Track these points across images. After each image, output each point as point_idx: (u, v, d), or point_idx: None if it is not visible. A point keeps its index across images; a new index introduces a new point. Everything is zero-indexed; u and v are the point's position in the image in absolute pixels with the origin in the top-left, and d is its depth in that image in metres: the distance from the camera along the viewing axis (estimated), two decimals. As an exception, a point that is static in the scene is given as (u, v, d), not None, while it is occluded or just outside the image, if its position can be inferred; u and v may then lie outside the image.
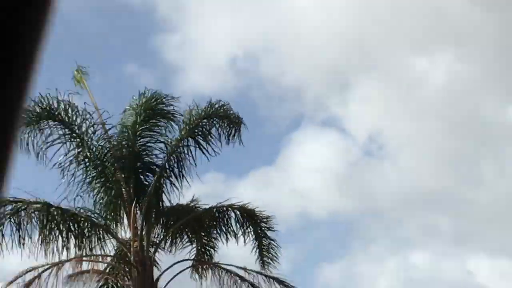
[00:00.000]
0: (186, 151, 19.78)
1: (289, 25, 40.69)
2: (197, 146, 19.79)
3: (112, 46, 42.04)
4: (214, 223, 19.93)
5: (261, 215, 19.90)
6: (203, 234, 20.09)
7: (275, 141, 42.15)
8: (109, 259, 19.58)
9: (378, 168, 42.19)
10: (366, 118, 41.37)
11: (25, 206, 18.09)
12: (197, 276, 19.61)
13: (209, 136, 19.95)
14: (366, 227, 41.83)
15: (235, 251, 21.15)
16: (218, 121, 20.21)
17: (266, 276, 19.31)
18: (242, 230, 19.88)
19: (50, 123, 19.16)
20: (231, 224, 19.83)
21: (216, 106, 20.28)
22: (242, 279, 19.38)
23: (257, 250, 20.07)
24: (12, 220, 17.94)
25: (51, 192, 19.09)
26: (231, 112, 20.42)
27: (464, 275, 39.35)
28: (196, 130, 19.98)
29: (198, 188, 21.05)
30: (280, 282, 19.44)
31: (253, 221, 19.91)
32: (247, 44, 40.31)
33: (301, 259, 38.22)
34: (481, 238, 40.65)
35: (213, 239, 20.16)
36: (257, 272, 19.36)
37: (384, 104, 41.91)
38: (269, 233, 20.10)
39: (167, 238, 19.77)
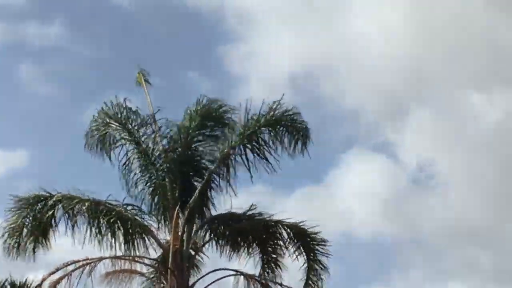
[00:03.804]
0: (237, 159, 19.26)
1: (352, 49, 40.77)
2: (252, 154, 19.21)
3: (176, 52, 42.45)
4: (263, 236, 19.67)
5: (314, 237, 19.48)
6: (249, 245, 19.92)
7: (325, 160, 42.07)
8: (147, 261, 19.73)
9: (424, 198, 41.93)
10: (418, 147, 41.15)
11: (77, 201, 18.52)
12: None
13: (265, 146, 19.23)
14: (406, 254, 41.55)
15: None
16: (282, 130, 19.42)
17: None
18: (293, 248, 19.55)
19: (113, 126, 19.99)
20: (281, 240, 19.55)
21: (281, 112, 19.45)
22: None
23: (305, 271, 19.66)
24: (65, 214, 18.48)
25: (98, 188, 19.42)
26: (299, 120, 19.58)
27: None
28: (252, 138, 19.31)
29: (244, 198, 20.91)
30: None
31: (304, 241, 19.50)
32: (308, 62, 40.40)
33: (340, 278, 38.03)
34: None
35: (263, 252, 19.86)
36: (290, 289, 19.27)
37: (438, 136, 41.63)
38: (321, 257, 19.66)
39: (210, 245, 19.78)
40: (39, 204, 18.60)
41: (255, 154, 19.14)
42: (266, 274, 19.80)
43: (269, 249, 19.67)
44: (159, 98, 21.38)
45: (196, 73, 43.31)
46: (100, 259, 18.29)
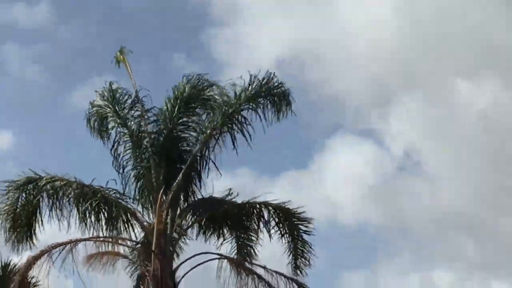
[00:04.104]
0: (220, 141, 19.25)
1: (340, 35, 40.70)
2: (232, 134, 19.18)
3: (163, 35, 42.30)
4: (246, 218, 19.65)
5: (299, 216, 19.41)
6: (232, 229, 19.96)
7: (310, 146, 42.14)
8: (131, 244, 19.63)
9: (411, 185, 41.99)
10: (405, 134, 41.18)
11: (64, 184, 18.64)
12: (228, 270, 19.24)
13: (245, 124, 19.13)
14: (392, 241, 41.66)
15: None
16: (263, 101, 19.29)
17: (285, 277, 19.15)
18: (278, 229, 19.52)
19: (106, 109, 19.96)
20: (264, 222, 19.51)
21: (258, 84, 19.30)
22: (260, 277, 19.02)
23: (291, 254, 19.70)
24: (52, 197, 18.64)
25: (82, 171, 19.40)
26: (276, 85, 19.39)
27: (485, 302, 38.94)
28: (234, 117, 19.22)
29: (228, 182, 20.89)
30: (299, 285, 19.23)
31: (289, 221, 19.47)
32: (295, 48, 40.30)
33: (324, 265, 38.08)
34: (506, 266, 40.17)
35: (243, 235, 20.02)
36: (276, 273, 19.16)
37: (425, 124, 41.64)
38: (306, 236, 19.64)
39: (193, 228, 19.71)
40: (29, 186, 18.69)
41: (237, 133, 19.07)
42: (248, 257, 19.82)
43: (252, 230, 19.66)
44: (145, 80, 21.22)
45: (182, 57, 43.19)
46: (81, 240, 18.17)
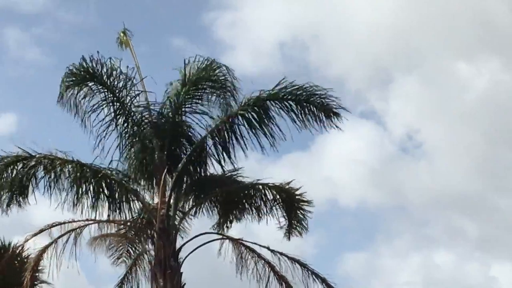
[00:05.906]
0: (234, 129, 18.84)
1: (340, 18, 40.68)
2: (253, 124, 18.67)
3: (164, 18, 42.16)
4: (248, 199, 19.79)
5: (299, 198, 19.55)
6: (234, 209, 20.00)
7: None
8: (134, 225, 19.55)
9: (411, 166, 42.11)
10: (405, 115, 41.20)
11: (61, 163, 18.40)
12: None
13: (266, 120, 18.58)
14: (392, 221, 41.82)
15: (263, 231, 21.14)
16: (291, 105, 18.60)
17: (288, 257, 19.19)
18: (275, 208, 19.67)
19: (91, 85, 19.07)
20: (265, 202, 19.64)
21: (292, 88, 18.62)
22: (260, 257, 19.19)
23: (286, 222, 19.83)
24: (48, 176, 18.40)
25: (87, 153, 19.07)
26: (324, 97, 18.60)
27: (486, 280, 39.07)
28: (258, 109, 18.70)
29: (229, 164, 20.77)
30: (302, 265, 19.27)
31: (289, 201, 19.57)
32: (297, 31, 40.25)
33: (326, 245, 38.24)
34: (507, 246, 40.30)
35: (244, 216, 20.05)
36: (280, 253, 19.22)
37: (425, 105, 41.67)
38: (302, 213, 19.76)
39: (197, 208, 19.74)
40: (19, 164, 18.43)
41: (256, 125, 18.67)
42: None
43: (254, 210, 19.71)
44: (145, 64, 20.91)
45: (183, 40, 43.10)
46: (86, 221, 18.04)
